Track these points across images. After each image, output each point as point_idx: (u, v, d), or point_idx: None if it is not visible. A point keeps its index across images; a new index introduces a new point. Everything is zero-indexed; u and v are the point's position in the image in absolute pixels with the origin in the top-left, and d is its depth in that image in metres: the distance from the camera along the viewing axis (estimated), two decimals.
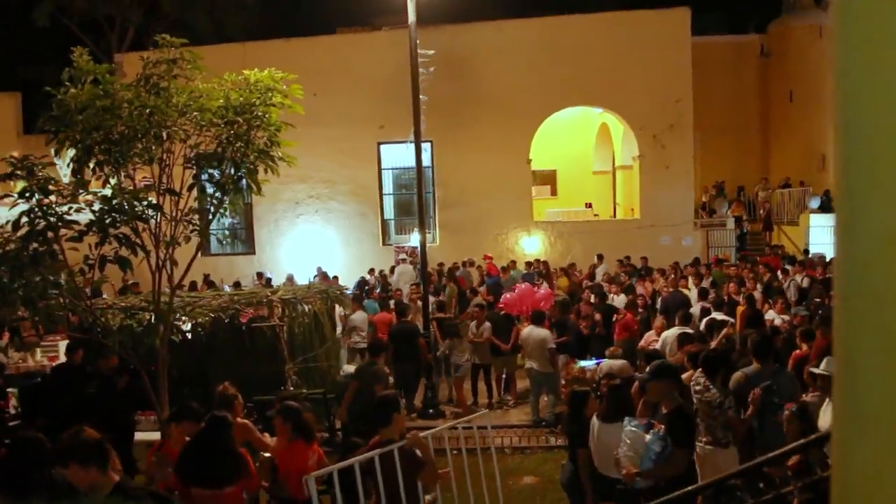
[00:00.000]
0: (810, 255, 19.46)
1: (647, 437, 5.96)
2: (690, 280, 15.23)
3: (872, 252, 1.47)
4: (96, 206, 7.27)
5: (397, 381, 12.05)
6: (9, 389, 10.59)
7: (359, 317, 14.01)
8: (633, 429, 6.08)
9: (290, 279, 19.24)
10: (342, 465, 5.65)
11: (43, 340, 13.50)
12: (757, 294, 13.32)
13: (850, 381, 1.47)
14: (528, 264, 19.66)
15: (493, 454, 8.65)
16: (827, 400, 6.29)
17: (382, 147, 22.39)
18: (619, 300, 14.43)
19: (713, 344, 9.55)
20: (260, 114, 8.26)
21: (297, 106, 8.42)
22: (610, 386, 6.93)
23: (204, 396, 8.99)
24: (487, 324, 12.56)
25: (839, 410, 1.52)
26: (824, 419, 6.12)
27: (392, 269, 20.27)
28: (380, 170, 22.75)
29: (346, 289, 15.96)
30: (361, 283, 19.14)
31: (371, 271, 20.34)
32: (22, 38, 27.31)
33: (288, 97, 8.47)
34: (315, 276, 19.56)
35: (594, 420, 6.61)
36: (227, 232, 24.31)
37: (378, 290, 17.58)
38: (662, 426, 6.00)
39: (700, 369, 7.07)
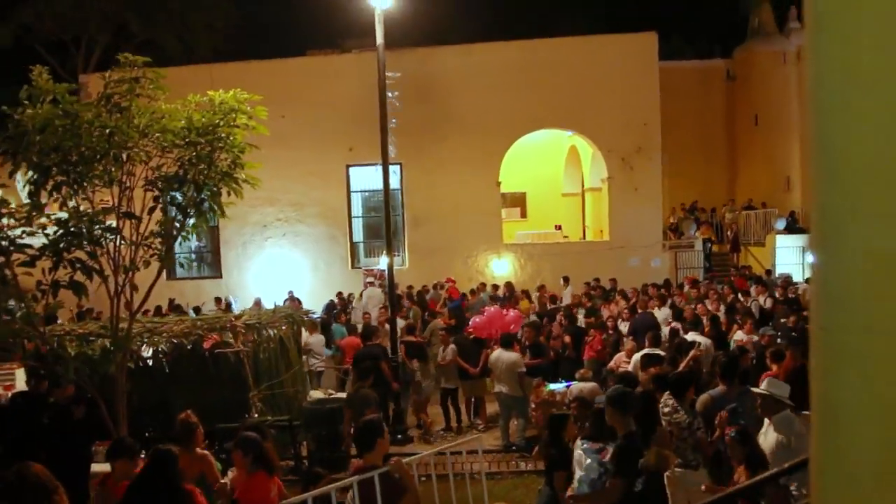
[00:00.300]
0: (776, 276, 19.64)
1: (588, 461, 5.89)
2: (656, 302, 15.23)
3: (852, 271, 1.40)
4: (50, 230, 7.05)
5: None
6: None
7: (315, 340, 13.78)
8: (581, 451, 6.02)
9: (257, 303, 18.96)
10: (318, 493, 5.48)
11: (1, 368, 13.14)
12: (721, 315, 13.36)
13: (827, 398, 1.38)
14: (495, 287, 19.56)
15: (467, 481, 8.53)
16: (766, 421, 6.19)
17: (352, 169, 22.26)
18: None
19: (682, 365, 9.49)
20: (223, 135, 8.10)
21: (261, 127, 8.29)
22: (595, 409, 6.81)
23: (165, 424, 8.73)
24: (452, 346, 12.45)
25: (818, 432, 1.43)
26: (765, 441, 6.05)
27: (361, 293, 20.07)
28: (349, 192, 22.59)
29: (313, 313, 15.72)
30: (329, 306, 18.91)
31: (339, 295, 20.12)
32: None
33: (252, 118, 8.33)
34: (286, 301, 19.32)
35: (578, 443, 6.48)
36: (193, 256, 23.94)
37: (342, 314, 17.37)
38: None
39: (668, 391, 7.00)
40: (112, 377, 8.05)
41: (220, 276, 22.73)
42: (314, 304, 19.33)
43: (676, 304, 15.22)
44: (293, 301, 19.32)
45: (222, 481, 5.90)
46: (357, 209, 23.04)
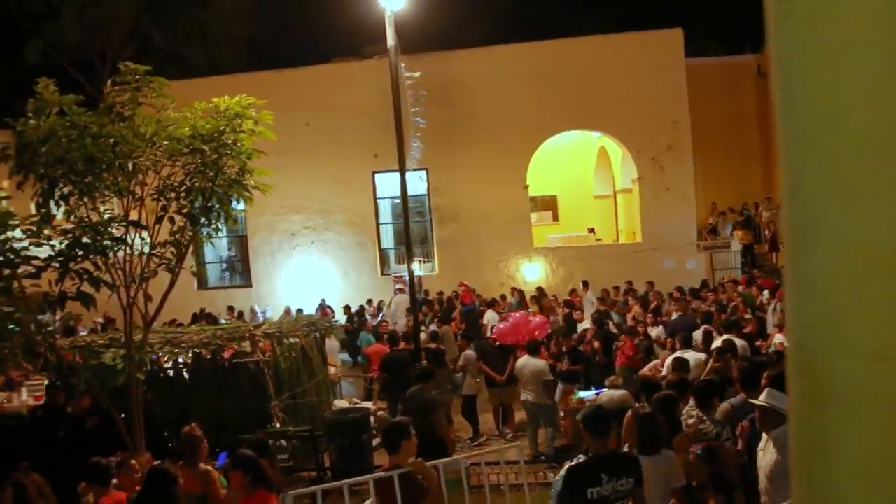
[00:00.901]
0: None
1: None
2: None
3: (830, 267, 1.11)
4: (55, 242, 6.94)
5: (390, 410, 11.66)
6: None
7: (329, 345, 13.59)
8: None
9: (287, 312, 18.89)
10: (329, 486, 5.38)
11: (28, 379, 13.17)
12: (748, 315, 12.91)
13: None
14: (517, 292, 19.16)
15: (487, 493, 8.25)
16: (764, 437, 5.49)
17: (377, 176, 22.08)
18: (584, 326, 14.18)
19: (704, 373, 9.06)
20: (229, 141, 7.96)
21: (267, 132, 8.14)
22: (641, 415, 6.43)
23: None
24: (465, 353, 12.26)
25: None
26: (763, 459, 5.43)
27: (390, 301, 19.89)
28: (375, 199, 22.44)
29: (336, 321, 15.58)
30: (359, 311, 18.77)
31: (369, 302, 19.98)
32: (14, 76, 27.31)
33: (259, 123, 8.18)
34: (317, 309, 19.25)
35: None
36: (223, 265, 24.05)
37: (369, 321, 17.20)
38: None
39: (693, 401, 6.63)
40: (128, 388, 7.92)
41: (251, 286, 22.73)
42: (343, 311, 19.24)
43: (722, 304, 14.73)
44: (324, 310, 19.24)
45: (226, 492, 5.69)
46: (386, 215, 22.88)
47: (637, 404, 8.05)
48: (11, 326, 6.83)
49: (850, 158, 1.04)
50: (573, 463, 5.02)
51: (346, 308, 19.14)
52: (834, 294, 1.06)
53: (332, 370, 13.56)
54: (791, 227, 1.17)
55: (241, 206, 9.11)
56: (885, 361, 0.94)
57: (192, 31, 28.84)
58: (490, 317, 16.69)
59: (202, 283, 22.39)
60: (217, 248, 23.25)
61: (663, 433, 5.99)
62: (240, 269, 23.60)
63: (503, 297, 19.14)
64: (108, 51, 28.27)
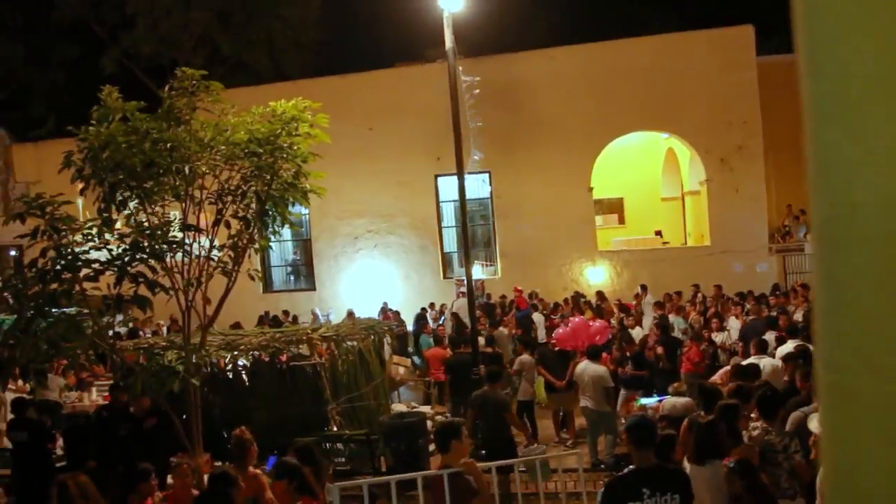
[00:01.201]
0: None
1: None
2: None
3: (862, 266, 0.95)
4: (112, 246, 7.08)
5: (454, 412, 11.58)
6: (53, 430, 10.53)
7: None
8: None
9: (350, 315, 18.98)
10: (375, 481, 5.37)
11: (98, 380, 13.57)
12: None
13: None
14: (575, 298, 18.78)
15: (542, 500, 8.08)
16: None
17: (440, 179, 22.04)
18: (636, 332, 13.82)
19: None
20: (284, 145, 7.99)
21: (322, 135, 8.14)
22: (700, 423, 6.19)
23: None
24: (523, 357, 12.14)
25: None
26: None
27: (452, 303, 19.78)
28: (437, 202, 22.40)
29: (395, 325, 15.56)
30: (420, 315, 18.74)
31: (431, 305, 19.91)
32: (92, 85, 28.28)
33: (314, 126, 8.19)
34: (380, 313, 19.30)
35: (685, 464, 5.88)
36: (289, 269, 24.38)
37: (430, 325, 17.12)
38: None
39: (757, 411, 6.30)
40: (186, 390, 8.02)
41: (315, 289, 22.97)
42: (406, 315, 19.23)
43: (786, 309, 14.18)
44: (386, 313, 19.27)
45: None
46: (449, 219, 22.80)
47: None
48: (84, 326, 6.97)
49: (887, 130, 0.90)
50: (615, 475, 4.83)
51: (421, 312, 19.05)
52: (865, 301, 0.90)
53: (401, 370, 13.54)
54: (818, 219, 1.03)
55: (300, 210, 9.15)
56: None
57: (259, 39, 29.38)
58: (537, 319, 16.51)
59: (267, 287, 22.71)
60: (282, 251, 23.60)
61: (723, 443, 5.72)
62: (304, 272, 23.88)
63: (566, 301, 18.80)
64: (180, 59, 29.05)
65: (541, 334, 15.74)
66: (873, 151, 0.92)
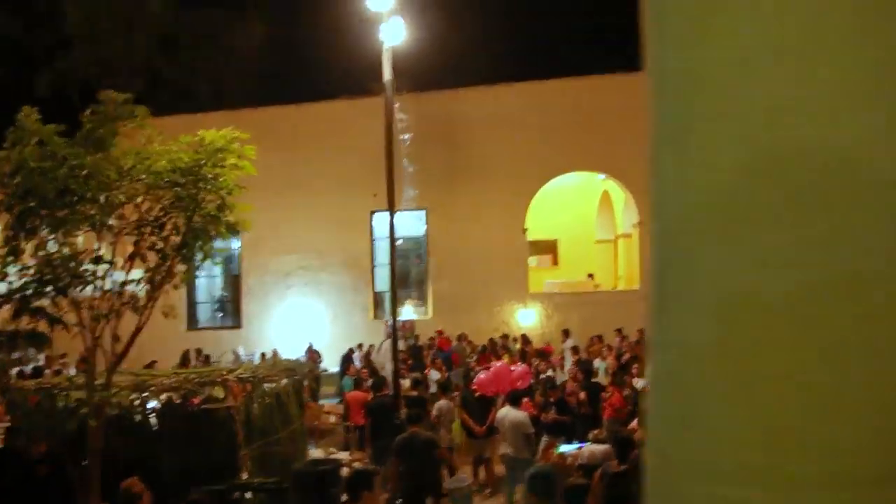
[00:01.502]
0: None
1: None
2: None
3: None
4: (12, 278, 6.63)
5: (375, 459, 11.18)
6: None
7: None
8: None
9: (274, 354, 18.38)
10: None
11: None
12: None
13: None
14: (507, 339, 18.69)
15: None
16: None
17: (376, 215, 21.69)
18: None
19: None
20: (209, 175, 7.69)
21: (249, 166, 7.87)
22: (612, 473, 6.01)
23: (152, 486, 8.13)
24: (440, 403, 11.89)
25: None
26: None
27: (381, 344, 19.39)
28: (372, 239, 22.08)
29: (317, 366, 15.17)
30: (347, 356, 18.31)
31: (360, 346, 19.46)
32: (21, 106, 27.22)
33: (242, 158, 7.93)
34: (305, 353, 18.80)
35: None
36: (216, 305, 23.67)
37: (354, 365, 16.73)
38: None
39: None
40: (84, 434, 7.51)
41: (241, 327, 22.26)
42: (333, 356, 18.77)
43: None
44: (311, 353, 18.77)
45: None
46: (383, 257, 22.45)
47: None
48: None
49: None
50: None
51: (348, 353, 18.62)
52: (697, 377, 0.80)
53: (332, 419, 13.14)
54: (654, 273, 0.97)
55: (230, 244, 8.81)
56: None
57: (201, 66, 28.91)
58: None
59: (192, 324, 21.94)
60: (210, 287, 22.91)
61: (636, 495, 5.53)
62: (231, 309, 23.18)
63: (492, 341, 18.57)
64: (119, 84, 28.29)
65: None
66: None
